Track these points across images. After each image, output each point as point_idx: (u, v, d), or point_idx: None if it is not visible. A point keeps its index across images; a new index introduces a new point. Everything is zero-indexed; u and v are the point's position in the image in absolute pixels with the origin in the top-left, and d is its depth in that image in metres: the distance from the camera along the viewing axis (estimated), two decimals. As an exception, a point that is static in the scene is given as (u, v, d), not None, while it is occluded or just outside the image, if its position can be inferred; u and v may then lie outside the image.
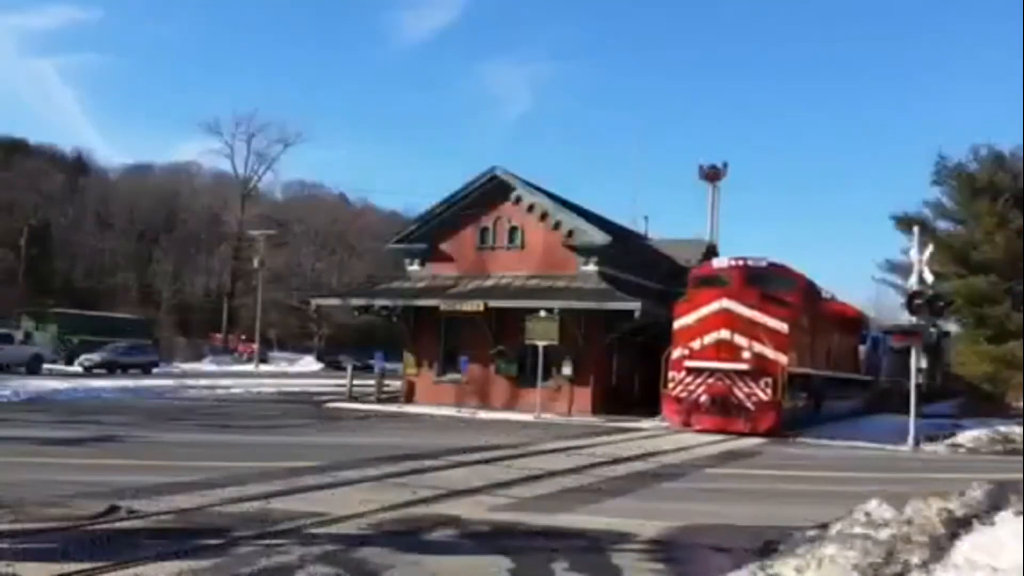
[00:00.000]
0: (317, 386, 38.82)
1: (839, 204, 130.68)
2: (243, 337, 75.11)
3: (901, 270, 38.42)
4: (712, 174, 42.62)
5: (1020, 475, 9.83)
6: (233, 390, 32.91)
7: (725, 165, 43.17)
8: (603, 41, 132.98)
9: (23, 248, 67.38)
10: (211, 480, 10.23)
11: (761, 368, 21.24)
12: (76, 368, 43.87)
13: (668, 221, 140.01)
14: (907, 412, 21.64)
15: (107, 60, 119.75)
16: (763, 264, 23.36)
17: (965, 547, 5.97)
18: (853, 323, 32.79)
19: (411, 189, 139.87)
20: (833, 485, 12.67)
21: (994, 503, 8.12)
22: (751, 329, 21.54)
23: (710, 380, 21.58)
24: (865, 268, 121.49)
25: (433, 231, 30.93)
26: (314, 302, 41.48)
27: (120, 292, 73.99)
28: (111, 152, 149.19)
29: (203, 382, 36.61)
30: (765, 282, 22.66)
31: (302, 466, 11.71)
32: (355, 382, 31.67)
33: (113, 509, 8.08)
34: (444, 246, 30.78)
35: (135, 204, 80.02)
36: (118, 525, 7.60)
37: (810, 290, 25.48)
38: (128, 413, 20.82)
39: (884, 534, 7.11)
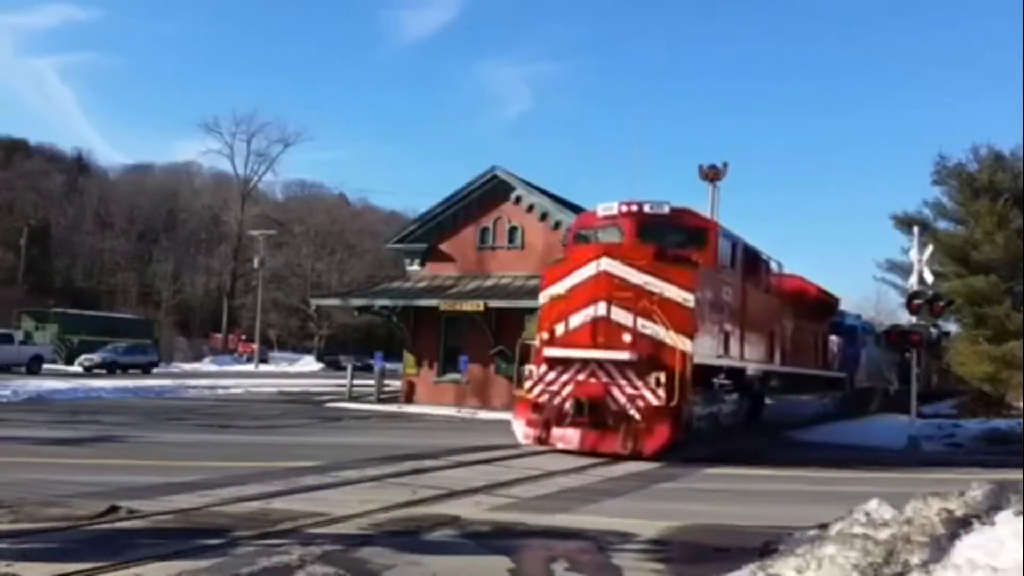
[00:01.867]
0: (317, 386, 38.83)
1: (839, 204, 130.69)
2: (243, 337, 75.20)
3: (901, 270, 38.44)
4: (712, 174, 42.62)
5: (1020, 474, 9.83)
6: (233, 390, 32.92)
7: (725, 165, 43.08)
8: (603, 40, 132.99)
9: (23, 248, 67.40)
10: (211, 480, 10.24)
11: (652, 358, 14.38)
12: (76, 368, 43.91)
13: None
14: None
15: (106, 59, 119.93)
16: (665, 210, 16.05)
17: (965, 547, 5.96)
18: (819, 306, 25.66)
19: (411, 189, 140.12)
20: (832, 485, 12.66)
21: (994, 503, 8.11)
22: (641, 302, 14.59)
23: (581, 377, 14.77)
24: (865, 268, 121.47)
25: (433, 231, 30.95)
26: (314, 302, 41.58)
27: (120, 292, 74.11)
28: (111, 152, 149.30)
29: (203, 382, 36.61)
30: (667, 236, 15.80)
31: (302, 466, 11.71)
32: (355, 382, 31.69)
33: (113, 509, 8.07)
34: (444, 246, 30.79)
35: (135, 204, 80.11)
36: (118, 525, 7.60)
37: (739, 252, 17.74)
38: (128, 413, 20.82)
39: (884, 534, 7.10)
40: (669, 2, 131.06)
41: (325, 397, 30.59)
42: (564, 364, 15.02)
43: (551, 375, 15.14)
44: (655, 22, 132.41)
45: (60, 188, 75.51)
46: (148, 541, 6.95)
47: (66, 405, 22.82)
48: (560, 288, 15.58)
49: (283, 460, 12.55)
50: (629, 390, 14.49)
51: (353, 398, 29.80)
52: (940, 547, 6.46)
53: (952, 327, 41.24)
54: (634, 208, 16.20)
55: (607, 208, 16.66)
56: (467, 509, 8.96)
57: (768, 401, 20.39)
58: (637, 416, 14.32)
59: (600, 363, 14.73)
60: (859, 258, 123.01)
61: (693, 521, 8.84)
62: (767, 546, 7.17)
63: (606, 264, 15.08)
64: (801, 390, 23.91)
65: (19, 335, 44.25)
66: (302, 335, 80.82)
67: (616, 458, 14.03)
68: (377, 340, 45.85)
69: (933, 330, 23.92)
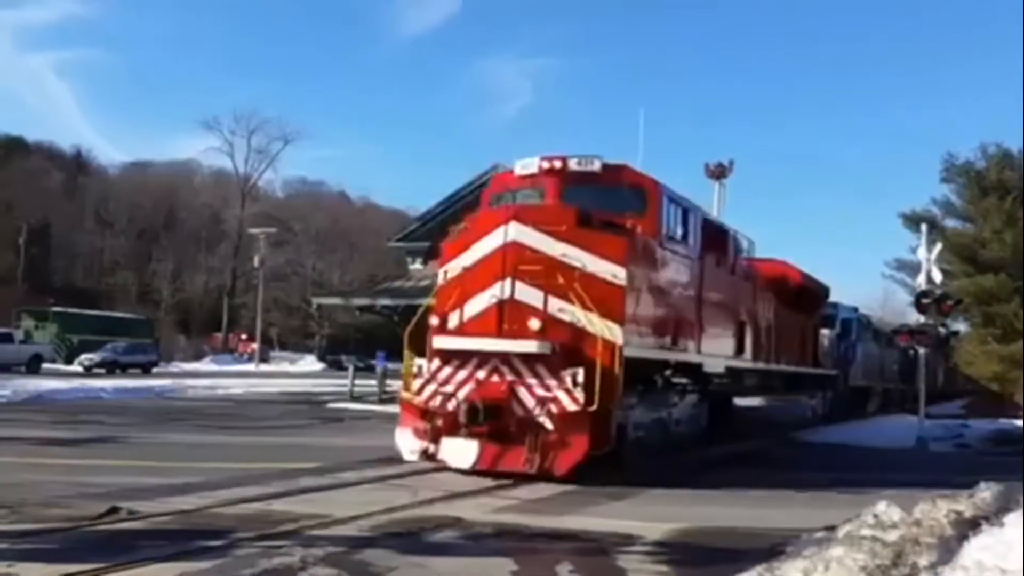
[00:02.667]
0: (318, 386, 38.81)
1: (846, 202, 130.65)
2: (243, 336, 75.26)
3: (909, 269, 38.41)
4: (718, 172, 42.53)
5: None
6: (233, 390, 32.89)
7: (731, 163, 43.01)
8: (605, 35, 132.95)
9: (23, 247, 67.47)
10: (212, 481, 10.18)
11: (570, 349, 11.48)
12: (76, 368, 43.94)
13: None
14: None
15: (105, 56, 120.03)
16: (595, 166, 13.10)
17: (974, 549, 5.90)
18: (805, 295, 22.33)
19: (413, 186, 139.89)
20: (839, 487, 12.59)
21: (1003, 504, 8.07)
22: (559, 279, 11.63)
23: (481, 374, 11.67)
24: (874, 267, 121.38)
25: (435, 229, 30.87)
26: (315, 301, 41.60)
27: (120, 291, 74.19)
28: (110, 150, 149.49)
29: (203, 382, 36.60)
30: (599, 198, 12.78)
31: (303, 467, 11.67)
32: (357, 382, 31.64)
33: (114, 510, 8.02)
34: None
35: (135, 202, 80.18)
36: (119, 526, 7.55)
37: (695, 222, 14.57)
38: (128, 413, 20.79)
39: (892, 536, 7.05)
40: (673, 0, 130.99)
41: (326, 397, 30.54)
42: (462, 358, 11.75)
43: (445, 372, 11.84)
44: (659, 18, 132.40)
45: (59, 187, 75.55)
46: (149, 542, 6.90)
47: (66, 405, 22.79)
48: (459, 264, 12.41)
49: (284, 461, 12.51)
50: (539, 391, 11.25)
51: (355, 398, 29.74)
52: (948, 549, 6.41)
53: (961, 326, 41.25)
54: (557, 164, 13.11)
55: (526, 165, 13.42)
56: (469, 511, 8.91)
57: (744, 403, 18.09)
58: (548, 424, 11.09)
59: (504, 357, 11.50)
60: (867, 257, 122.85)
61: (698, 523, 8.79)
62: (773, 548, 7.10)
63: (515, 232, 11.84)
64: (784, 390, 21.24)
65: (19, 334, 44.29)
66: (303, 335, 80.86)
67: (524, 478, 11.00)
68: (379, 340, 45.78)
69: (941, 329, 23.86)
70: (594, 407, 10.89)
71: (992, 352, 37.76)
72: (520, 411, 11.31)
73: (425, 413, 11.92)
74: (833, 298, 29.39)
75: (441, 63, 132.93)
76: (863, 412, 30.35)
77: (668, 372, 13.63)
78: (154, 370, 46.40)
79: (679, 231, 13.95)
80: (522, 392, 11.37)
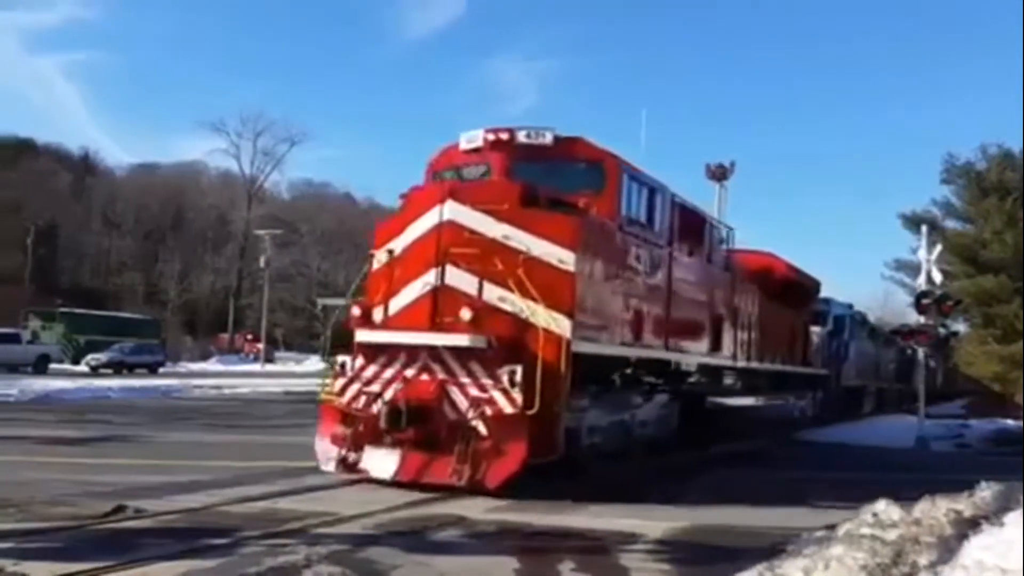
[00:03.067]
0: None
1: (847, 202, 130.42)
2: (249, 337, 75.31)
3: (909, 269, 38.39)
4: (719, 172, 42.49)
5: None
6: (239, 390, 32.97)
7: (732, 164, 43.03)
8: (608, 37, 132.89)
9: (30, 248, 67.65)
10: (217, 480, 10.26)
11: (511, 344, 10.19)
12: (83, 368, 44.06)
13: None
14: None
15: (111, 58, 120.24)
16: (546, 139, 11.76)
17: (974, 548, 5.94)
18: (793, 289, 20.93)
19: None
20: (840, 486, 12.61)
21: (1003, 504, 8.10)
22: (499, 264, 10.34)
23: (411, 372, 10.43)
24: (874, 267, 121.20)
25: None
26: (320, 302, 41.59)
27: (127, 292, 74.37)
28: (118, 151, 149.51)
29: (209, 382, 36.68)
30: (551, 175, 11.54)
31: (308, 466, 11.70)
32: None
33: (120, 508, 8.08)
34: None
35: (142, 203, 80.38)
36: (125, 524, 7.62)
37: (662, 204, 13.09)
38: (135, 413, 20.86)
39: (892, 535, 7.10)
40: (677, 0, 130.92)
41: (331, 397, 30.52)
42: (389, 355, 10.54)
43: (370, 370, 10.64)
44: (662, 19, 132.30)
45: (67, 188, 75.77)
46: (154, 541, 6.96)
47: (73, 404, 22.86)
48: (392, 248, 11.15)
49: (289, 460, 12.55)
50: (473, 391, 10.00)
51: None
52: (948, 548, 6.45)
53: (961, 327, 41.20)
54: (503, 136, 11.79)
55: (471, 138, 12.08)
56: (472, 509, 8.95)
57: (725, 404, 16.79)
58: (482, 429, 9.79)
59: (435, 352, 10.27)
60: (867, 257, 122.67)
61: (698, 522, 8.82)
62: (774, 547, 7.14)
63: (452, 211, 10.62)
64: (771, 390, 19.93)
65: (26, 335, 44.47)
66: (308, 335, 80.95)
67: (453, 491, 9.56)
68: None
69: (941, 330, 23.84)
70: (534, 410, 9.54)
71: (992, 352, 37.75)
72: (452, 414, 10.03)
73: (346, 416, 10.55)
74: (834, 297, 29.03)
75: (445, 64, 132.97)
76: (857, 413, 29.54)
77: (629, 370, 12.37)
78: (161, 370, 46.50)
79: (643, 213, 12.56)
80: (454, 392, 10.10)
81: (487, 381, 10.01)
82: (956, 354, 44.91)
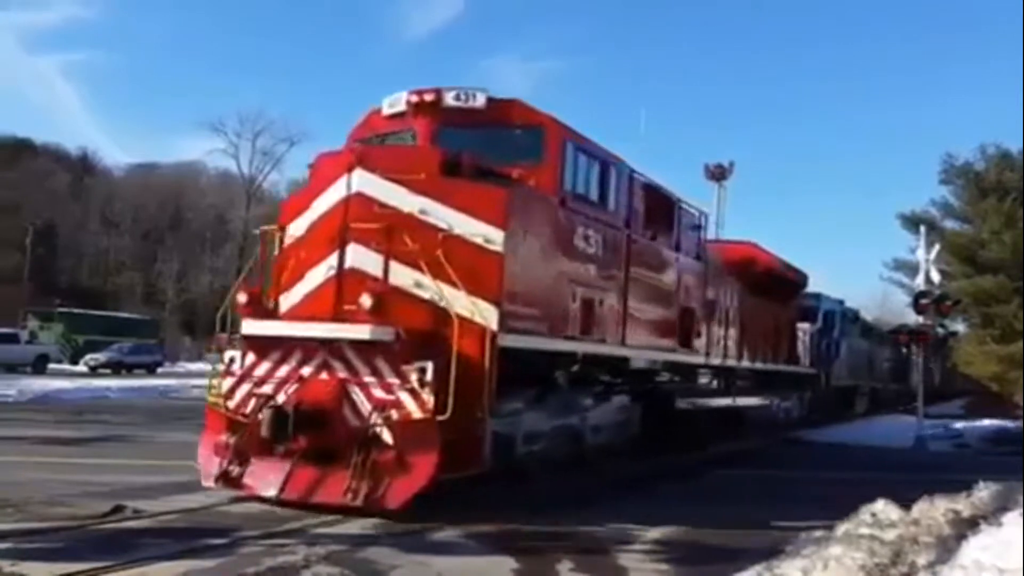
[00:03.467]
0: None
1: (846, 202, 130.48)
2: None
3: (908, 269, 38.42)
4: (718, 172, 42.50)
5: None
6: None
7: (731, 164, 43.11)
8: (606, 38, 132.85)
9: (29, 248, 67.55)
10: (216, 480, 10.22)
11: (424, 337, 8.77)
12: (81, 368, 44.02)
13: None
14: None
15: (110, 58, 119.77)
16: (478, 101, 10.36)
17: (972, 548, 5.96)
18: (777, 282, 19.48)
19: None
20: (838, 486, 12.62)
21: (1001, 504, 8.12)
22: (413, 244, 8.94)
23: (308, 370, 8.95)
24: (872, 267, 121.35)
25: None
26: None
27: (125, 292, 74.28)
28: (116, 151, 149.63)
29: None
30: (484, 143, 10.06)
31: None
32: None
33: (118, 509, 8.08)
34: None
35: (140, 203, 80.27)
36: (123, 525, 7.61)
37: (618, 180, 11.73)
38: (133, 413, 20.86)
39: (891, 535, 7.12)
40: (676, 1, 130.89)
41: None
42: (285, 350, 9.00)
43: (262, 368, 9.08)
44: (661, 20, 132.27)
45: (66, 188, 75.70)
46: (153, 541, 6.96)
47: (71, 405, 22.84)
48: (297, 227, 9.84)
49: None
50: (378, 392, 8.52)
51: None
52: (947, 548, 6.46)
53: (959, 327, 41.23)
54: (429, 98, 10.35)
55: (394, 102, 10.67)
56: (472, 510, 8.93)
57: (696, 405, 15.34)
58: (387, 437, 8.32)
59: (336, 347, 8.73)
60: (866, 257, 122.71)
61: (697, 522, 8.82)
62: (773, 547, 7.15)
63: (360, 181, 9.13)
64: (754, 390, 18.77)
65: (24, 335, 44.42)
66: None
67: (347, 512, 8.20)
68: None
69: (940, 330, 23.85)
70: (446, 414, 8.05)
71: (991, 353, 37.77)
72: (353, 420, 8.52)
73: (232, 423, 8.97)
74: (825, 293, 28.40)
75: (444, 64, 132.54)
76: (848, 414, 28.66)
77: (576, 368, 10.96)
78: (159, 370, 46.49)
79: (594, 190, 11.17)
80: (356, 394, 8.58)
81: (394, 380, 8.47)
82: (955, 354, 44.95)
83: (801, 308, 22.95)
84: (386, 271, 8.96)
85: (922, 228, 26.14)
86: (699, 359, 15.12)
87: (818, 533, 7.34)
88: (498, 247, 9.03)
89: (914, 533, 7.16)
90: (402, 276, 9.00)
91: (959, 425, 25.80)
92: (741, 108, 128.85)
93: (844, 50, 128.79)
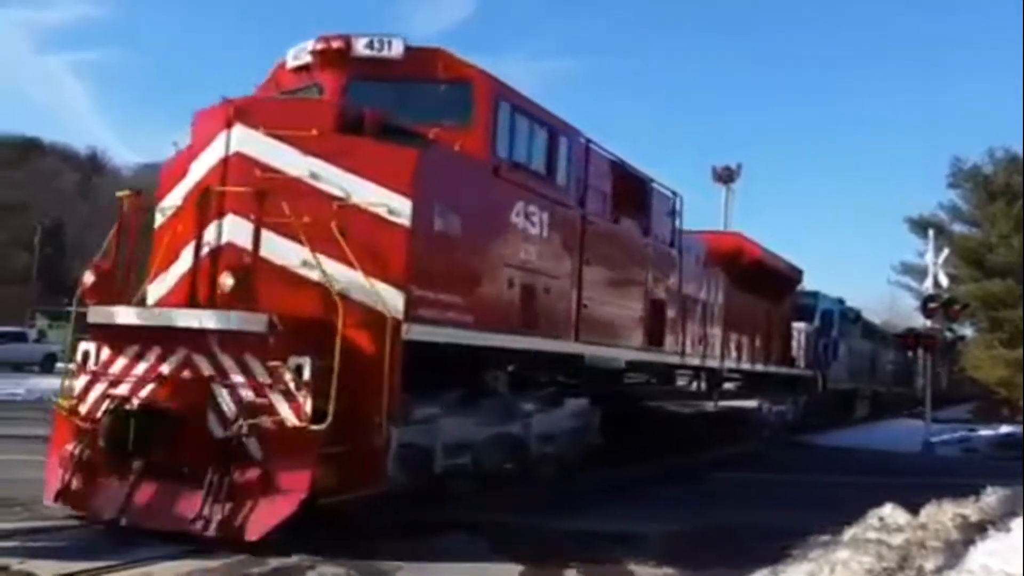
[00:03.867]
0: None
1: (854, 206, 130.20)
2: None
3: (915, 273, 38.30)
4: (725, 174, 42.39)
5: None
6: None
7: (739, 166, 42.97)
8: (616, 38, 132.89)
9: (37, 247, 67.80)
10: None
11: (308, 327, 7.22)
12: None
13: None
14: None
15: (119, 57, 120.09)
16: (393, 50, 8.95)
17: (980, 553, 5.94)
18: (768, 278, 18.13)
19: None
20: (845, 489, 12.59)
21: (1010, 509, 8.09)
22: (301, 215, 7.37)
23: (167, 367, 7.39)
24: (882, 270, 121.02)
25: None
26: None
27: (133, 291, 74.38)
28: (125, 151, 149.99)
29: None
30: (401, 99, 8.79)
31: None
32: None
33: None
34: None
35: (149, 203, 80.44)
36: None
37: (568, 149, 10.30)
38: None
39: (898, 539, 7.09)
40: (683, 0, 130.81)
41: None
42: (143, 342, 7.48)
43: (119, 364, 7.59)
44: (669, 19, 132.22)
45: (74, 187, 75.96)
46: (159, 540, 6.94)
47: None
48: (173, 198, 8.36)
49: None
50: (247, 393, 7.02)
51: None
52: (954, 553, 6.44)
53: (968, 331, 41.11)
54: (336, 45, 8.94)
55: (299, 54, 9.24)
56: (476, 511, 8.92)
57: (671, 411, 14.07)
58: (256, 451, 6.85)
59: (203, 339, 7.21)
60: (876, 260, 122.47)
61: (703, 525, 8.80)
62: (779, 551, 7.13)
63: (240, 139, 7.72)
64: (740, 393, 17.57)
65: (33, 334, 44.55)
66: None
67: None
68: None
69: (948, 334, 23.78)
70: (325, 423, 6.62)
71: (999, 357, 37.63)
72: (219, 428, 6.99)
73: (80, 431, 7.47)
74: (838, 296, 28.02)
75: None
76: (848, 419, 27.49)
77: (513, 368, 9.58)
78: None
79: (538, 160, 9.66)
80: (222, 396, 7.05)
81: (266, 380, 6.96)
82: (963, 358, 44.82)
83: (797, 306, 21.93)
84: (256, 244, 7.38)
85: (930, 232, 26.05)
86: (672, 358, 13.61)
87: (825, 537, 7.32)
88: (404, 219, 7.57)
89: (921, 537, 7.14)
90: (285, 252, 7.50)
91: (967, 429, 25.72)
92: (749, 111, 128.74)
93: (850, 49, 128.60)
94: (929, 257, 23.10)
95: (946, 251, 24.11)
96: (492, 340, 8.82)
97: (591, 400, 11.34)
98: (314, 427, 6.71)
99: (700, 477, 13.26)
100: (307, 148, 7.67)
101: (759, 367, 18.14)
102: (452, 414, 8.53)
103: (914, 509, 8.04)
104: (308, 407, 6.79)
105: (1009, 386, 37.57)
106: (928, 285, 22.79)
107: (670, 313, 13.22)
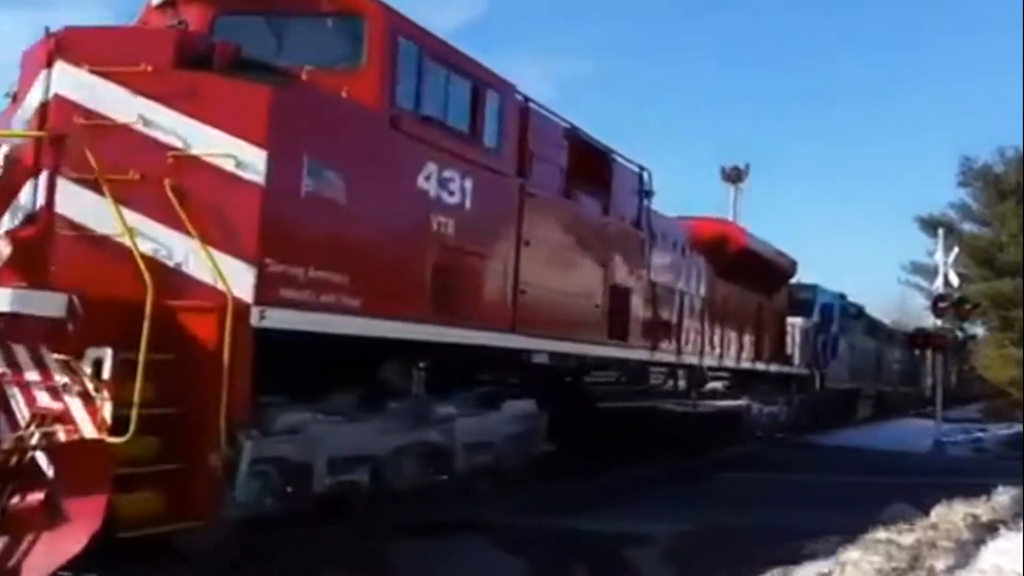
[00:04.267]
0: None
1: (863, 205, 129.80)
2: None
3: (925, 272, 38.22)
4: (734, 175, 42.29)
5: None
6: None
7: (747, 166, 42.81)
8: (626, 38, 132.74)
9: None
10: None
11: (121, 309, 5.36)
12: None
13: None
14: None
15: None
16: None
17: (991, 553, 5.93)
18: (756, 268, 16.50)
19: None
20: (856, 490, 12.55)
21: (1021, 508, 8.06)
22: (122, 169, 5.80)
23: None
24: (891, 270, 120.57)
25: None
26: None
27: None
28: None
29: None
30: (279, 39, 7.51)
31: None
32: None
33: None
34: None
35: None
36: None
37: (490, 101, 8.43)
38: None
39: (909, 539, 7.07)
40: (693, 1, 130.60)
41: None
42: None
43: None
44: (679, 20, 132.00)
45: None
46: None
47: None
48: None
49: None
50: (43, 396, 5.46)
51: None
52: (965, 552, 6.42)
53: (979, 330, 40.99)
54: None
55: None
56: (484, 511, 8.91)
57: (632, 412, 12.16)
58: (48, 469, 5.24)
59: None
60: (884, 261, 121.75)
61: (712, 525, 8.75)
62: (790, 550, 7.12)
63: (62, 78, 6.24)
64: (726, 393, 16.23)
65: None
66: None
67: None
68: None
69: (959, 333, 23.69)
70: (127, 435, 5.07)
71: (1009, 356, 37.52)
72: (9, 438, 5.42)
73: None
74: (849, 295, 27.20)
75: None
76: (847, 420, 25.97)
77: (424, 364, 7.95)
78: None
79: (458, 115, 8.07)
80: (15, 398, 5.50)
81: (63, 379, 5.42)
82: (973, 358, 44.68)
83: (794, 301, 20.69)
84: (50, 202, 5.97)
85: (940, 231, 25.98)
86: (639, 354, 11.91)
87: (835, 537, 7.30)
88: (256, 175, 5.99)
89: (932, 537, 7.11)
90: (100, 215, 5.87)
91: (978, 429, 25.61)
92: (758, 113, 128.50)
93: (856, 50, 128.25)
94: (939, 256, 23.00)
95: (956, 250, 24.00)
96: (391, 330, 7.10)
97: (539, 402, 9.70)
98: (112, 439, 5.10)
99: (706, 477, 13.20)
100: (138, 87, 6.12)
101: (747, 364, 16.72)
102: (341, 421, 6.94)
103: (925, 509, 8.02)
104: (107, 413, 5.18)
105: (1018, 386, 37.48)
106: (938, 284, 22.69)
107: (636, 303, 11.59)
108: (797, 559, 6.64)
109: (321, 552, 6.64)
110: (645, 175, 12.14)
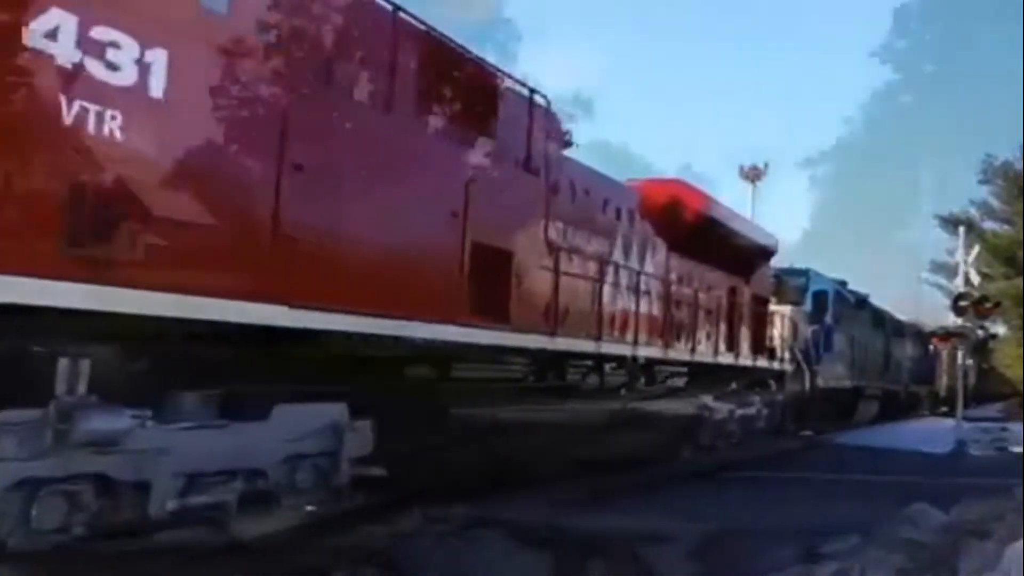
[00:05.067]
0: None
1: (883, 203, 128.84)
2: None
3: (946, 271, 37.96)
4: (752, 174, 42.17)
5: None
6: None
7: (766, 165, 42.70)
8: (637, 36, 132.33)
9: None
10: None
11: None
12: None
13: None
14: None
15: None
16: None
17: (1015, 553, 5.86)
18: (724, 242, 14.18)
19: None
20: (876, 489, 12.47)
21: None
22: None
23: None
24: (909, 269, 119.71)
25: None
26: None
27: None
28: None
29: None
30: None
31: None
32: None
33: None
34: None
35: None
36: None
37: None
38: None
39: (930, 539, 7.01)
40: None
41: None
42: None
43: None
44: (690, 17, 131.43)
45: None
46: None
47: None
48: None
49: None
50: None
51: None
52: (989, 553, 6.36)
53: (1001, 329, 40.69)
54: None
55: None
56: (503, 508, 8.90)
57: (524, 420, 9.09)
58: None
59: None
60: (903, 259, 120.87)
61: (730, 523, 8.71)
62: (809, 550, 7.08)
63: None
64: (685, 392, 13.39)
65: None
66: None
67: None
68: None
69: (980, 332, 23.49)
70: None
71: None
72: None
73: None
74: (861, 290, 25.71)
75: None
76: (844, 424, 22.68)
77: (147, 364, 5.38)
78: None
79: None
80: None
81: None
82: (994, 356, 44.35)
83: (783, 287, 18.70)
84: None
85: (961, 229, 25.78)
86: (527, 340, 8.77)
87: (856, 536, 7.25)
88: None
89: (955, 537, 7.06)
90: None
91: (999, 428, 25.34)
92: (773, 115, 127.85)
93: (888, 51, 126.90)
94: (960, 255, 22.86)
95: (977, 248, 23.80)
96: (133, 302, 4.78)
97: (356, 408, 6.85)
98: None
99: (711, 477, 13.10)
100: None
101: (709, 358, 13.94)
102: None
103: (946, 508, 7.95)
104: None
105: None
106: (959, 283, 22.52)
107: (523, 271, 8.67)
108: (817, 558, 6.60)
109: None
110: (550, 111, 9.38)
